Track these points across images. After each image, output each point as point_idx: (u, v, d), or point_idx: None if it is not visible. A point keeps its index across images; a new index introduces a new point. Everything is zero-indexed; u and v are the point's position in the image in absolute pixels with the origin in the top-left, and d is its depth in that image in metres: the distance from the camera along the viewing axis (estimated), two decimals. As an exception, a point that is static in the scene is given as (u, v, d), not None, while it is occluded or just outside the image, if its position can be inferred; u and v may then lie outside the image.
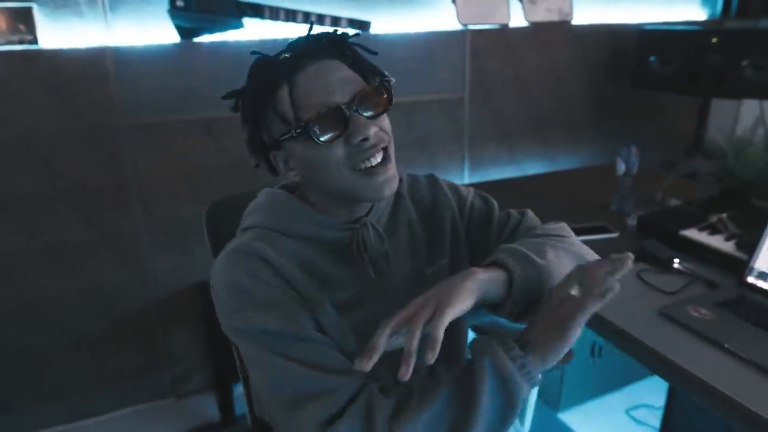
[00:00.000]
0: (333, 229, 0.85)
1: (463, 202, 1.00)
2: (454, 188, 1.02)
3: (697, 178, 1.90)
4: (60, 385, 1.97)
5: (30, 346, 1.90)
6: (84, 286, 1.91)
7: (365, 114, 0.78)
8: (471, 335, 1.17)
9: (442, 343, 0.65)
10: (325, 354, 0.75)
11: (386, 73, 0.84)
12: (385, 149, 0.80)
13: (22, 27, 1.68)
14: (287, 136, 0.78)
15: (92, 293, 1.93)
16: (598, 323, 1.21)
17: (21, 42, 1.68)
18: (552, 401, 2.06)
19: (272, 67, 0.79)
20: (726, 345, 1.06)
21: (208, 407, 2.12)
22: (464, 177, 2.38)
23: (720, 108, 2.60)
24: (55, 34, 1.73)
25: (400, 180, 0.98)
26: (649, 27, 2.35)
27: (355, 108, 0.76)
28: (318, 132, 0.75)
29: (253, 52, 0.84)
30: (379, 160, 0.79)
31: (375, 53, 0.85)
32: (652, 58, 2.30)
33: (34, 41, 1.69)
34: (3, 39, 1.67)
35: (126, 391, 2.07)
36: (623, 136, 2.57)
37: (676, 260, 1.40)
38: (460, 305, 0.69)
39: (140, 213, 1.91)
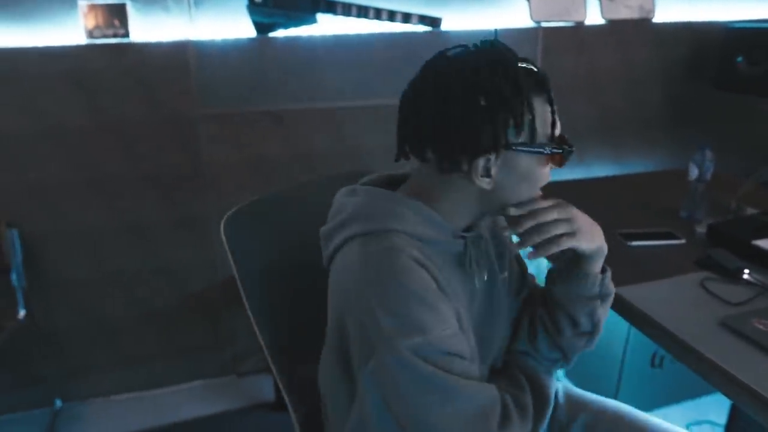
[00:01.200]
0: (452, 236, 0.82)
1: None
2: None
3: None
4: (133, 354, 2.13)
5: (108, 316, 2.06)
6: (158, 263, 2.06)
7: None
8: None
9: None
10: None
11: None
12: None
13: (116, 22, 1.83)
14: (531, 148, 0.76)
15: (165, 271, 2.07)
16: (656, 332, 1.18)
17: (115, 35, 1.83)
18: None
19: (531, 72, 0.75)
20: (791, 361, 1.00)
21: (265, 387, 2.21)
22: (529, 177, 2.35)
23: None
24: (145, 28, 1.87)
25: None
26: (737, 25, 2.21)
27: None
28: (566, 156, 0.80)
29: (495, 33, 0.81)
30: None
31: None
32: (739, 59, 2.17)
33: (126, 35, 1.83)
34: (99, 33, 1.82)
35: (191, 365, 2.21)
36: (702, 140, 2.44)
37: (746, 271, 1.32)
38: (588, 244, 0.83)
39: (212, 198, 2.03)
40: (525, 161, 0.77)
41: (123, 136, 1.90)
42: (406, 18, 2.06)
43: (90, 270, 1.99)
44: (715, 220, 1.58)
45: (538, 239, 0.80)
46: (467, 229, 0.85)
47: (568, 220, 0.81)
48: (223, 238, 1.11)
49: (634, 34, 2.31)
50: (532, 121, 0.75)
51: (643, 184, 2.13)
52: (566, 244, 0.81)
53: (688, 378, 1.94)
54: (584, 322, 0.92)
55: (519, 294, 1.01)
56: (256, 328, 1.10)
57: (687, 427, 1.93)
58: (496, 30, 0.84)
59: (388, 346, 0.68)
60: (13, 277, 1.86)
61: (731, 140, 2.50)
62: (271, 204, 1.23)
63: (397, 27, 2.06)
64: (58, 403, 2.09)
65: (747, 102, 2.38)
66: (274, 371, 1.09)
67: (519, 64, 0.75)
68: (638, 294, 1.27)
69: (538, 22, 2.18)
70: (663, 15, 2.35)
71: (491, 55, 0.76)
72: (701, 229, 1.58)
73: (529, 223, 0.79)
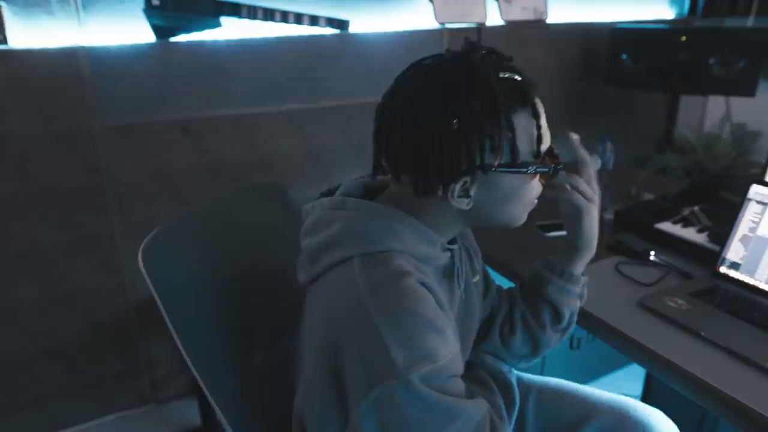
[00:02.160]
0: (440, 250, 0.79)
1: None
2: None
3: (668, 173, 1.95)
4: (38, 394, 1.93)
5: (5, 356, 1.85)
6: (59, 291, 1.87)
7: None
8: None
9: None
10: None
11: None
12: None
13: (-10, 26, 1.64)
14: (512, 168, 0.71)
15: (68, 298, 1.89)
16: (579, 316, 1.24)
17: (-10, 42, 1.64)
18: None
19: (510, 85, 0.69)
20: (702, 333, 1.09)
21: (190, 412, 2.09)
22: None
23: (688, 104, 2.68)
24: (26, 33, 1.69)
25: None
26: (621, 25, 2.40)
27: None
28: (551, 174, 0.78)
29: (466, 39, 0.75)
30: None
31: None
32: (624, 56, 2.35)
33: (3, 41, 1.65)
34: (-29, 39, 1.62)
35: (106, 397, 2.04)
36: (597, 133, 2.62)
37: (652, 253, 1.43)
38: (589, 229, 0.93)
39: (116, 215, 1.88)
40: (507, 181, 0.73)
41: (8, 153, 1.71)
42: (314, 21, 2.03)
43: (-23, 305, 1.78)
44: (620, 207, 1.70)
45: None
46: (451, 241, 0.84)
47: (593, 197, 0.88)
48: (141, 265, 1.01)
49: (531, 34, 2.43)
50: (513, 139, 0.69)
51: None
52: (581, 205, 0.88)
53: (603, 356, 2.09)
54: (565, 319, 1.01)
55: (487, 295, 1.05)
56: (181, 347, 1.01)
57: (605, 401, 2.07)
58: (479, 29, 0.84)
59: (398, 377, 0.63)
60: None
61: (622, 132, 2.70)
62: (189, 223, 1.16)
63: (305, 30, 2.02)
64: (-53, 459, 1.85)
65: (632, 96, 2.59)
66: (206, 390, 1.02)
67: (500, 75, 0.69)
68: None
69: (442, 24, 2.24)
70: (555, 16, 2.49)
71: (467, 67, 0.70)
72: (609, 216, 1.69)
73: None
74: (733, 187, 1.69)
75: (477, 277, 0.97)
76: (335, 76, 2.09)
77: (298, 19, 2.01)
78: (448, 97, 0.67)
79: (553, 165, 0.77)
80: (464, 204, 0.73)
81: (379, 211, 0.76)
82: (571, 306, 1.01)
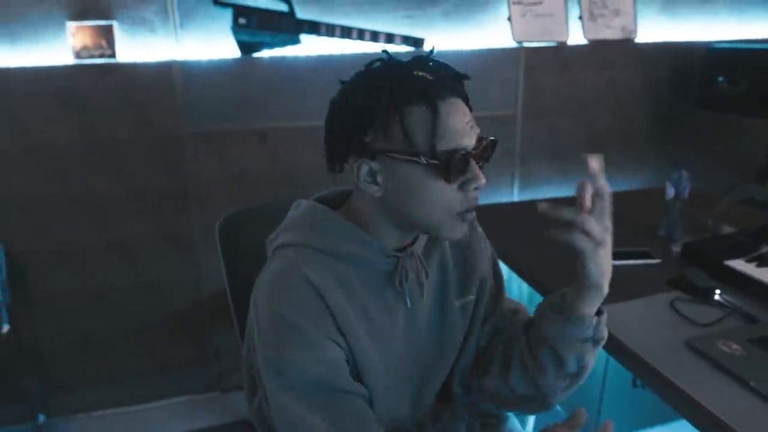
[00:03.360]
0: (380, 254, 0.82)
1: (494, 257, 1.02)
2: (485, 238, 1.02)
3: (757, 206, 1.79)
4: (119, 370, 2.14)
5: (95, 332, 2.07)
6: (145, 280, 2.07)
7: (479, 162, 0.78)
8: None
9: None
10: (351, 408, 0.77)
11: None
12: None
13: (103, 42, 1.86)
14: (404, 156, 0.74)
15: (151, 287, 2.09)
16: (622, 353, 1.18)
17: (102, 56, 1.86)
18: (589, 428, 1.99)
19: (414, 82, 0.74)
20: (752, 383, 1.00)
21: (251, 403, 2.21)
22: (513, 194, 2.36)
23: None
24: (132, 48, 1.91)
25: None
26: (717, 45, 2.24)
27: (476, 155, 0.77)
28: (450, 171, 0.74)
29: (384, 51, 0.82)
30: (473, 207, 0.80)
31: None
32: (720, 78, 2.19)
33: (113, 55, 1.87)
34: (87, 53, 1.86)
35: (177, 381, 2.21)
36: (685, 158, 2.45)
37: (717, 291, 1.33)
38: (598, 270, 0.78)
39: (197, 215, 2.05)
40: (405, 171, 0.75)
41: (109, 154, 1.93)
42: (390, 38, 2.10)
43: (75, 286, 2.01)
44: (691, 239, 1.59)
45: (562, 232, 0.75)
46: (402, 249, 0.85)
47: (602, 240, 0.76)
48: (217, 239, 1.14)
49: (617, 54, 2.34)
50: (404, 129, 0.73)
51: (625, 202, 2.12)
52: (584, 248, 0.75)
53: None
54: (570, 364, 0.86)
55: (486, 321, 0.98)
56: (240, 340, 1.11)
57: (669, 447, 1.92)
58: (432, 49, 0.85)
59: (259, 350, 0.78)
60: (-2, 293, 1.88)
61: (715, 158, 2.51)
62: (263, 212, 1.23)
63: (381, 47, 2.09)
64: (41, 418, 2.09)
65: (728, 121, 2.40)
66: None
67: (415, 73, 0.75)
68: (609, 314, 1.27)
69: (520, 43, 2.21)
70: (645, 35, 2.38)
71: (388, 63, 0.79)
72: (677, 248, 1.59)
73: (569, 213, 0.75)
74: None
75: (469, 297, 0.94)
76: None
77: (375, 36, 2.08)
78: (354, 85, 0.78)
79: (446, 161, 0.74)
80: (374, 191, 0.78)
81: (314, 209, 0.85)
82: (577, 350, 0.85)
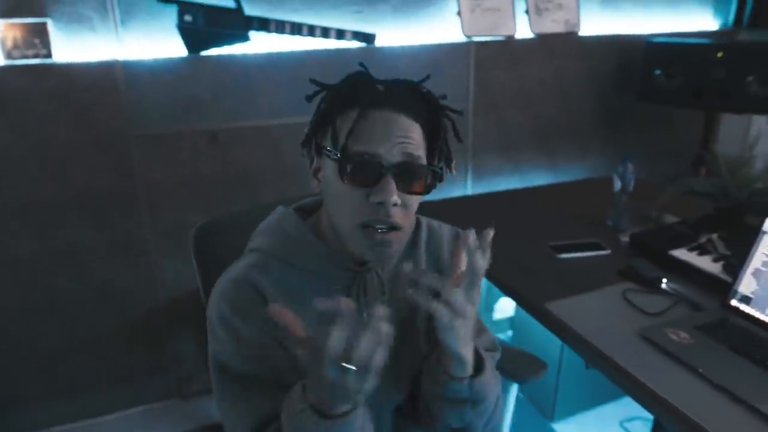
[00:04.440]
0: (337, 268, 0.84)
1: None
2: None
3: (697, 196, 1.89)
4: (71, 383, 2.06)
5: (43, 345, 1.98)
6: (95, 288, 1.99)
7: (399, 182, 0.76)
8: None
9: None
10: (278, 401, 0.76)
11: (453, 162, 0.85)
12: (394, 228, 0.77)
13: (37, 41, 1.76)
14: (327, 151, 0.79)
15: (102, 295, 2.01)
16: (577, 342, 1.24)
17: (36, 56, 1.76)
18: (546, 411, 2.08)
19: (361, 87, 0.79)
20: (700, 370, 1.07)
21: (212, 408, 2.18)
22: (467, 187, 2.41)
23: (731, 122, 2.58)
24: (69, 48, 1.81)
25: (417, 228, 0.97)
26: (655, 40, 2.34)
27: (394, 171, 0.75)
28: (348, 170, 0.75)
29: (361, 64, 0.87)
30: (384, 228, 0.77)
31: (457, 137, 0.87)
32: (657, 72, 2.29)
33: (49, 55, 1.77)
34: (19, 53, 1.75)
35: (134, 390, 2.15)
36: (630, 148, 2.57)
37: (664, 280, 1.41)
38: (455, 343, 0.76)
39: (148, 219, 1.98)
40: (327, 166, 0.81)
41: (50, 159, 1.83)
42: (340, 34, 2.08)
43: (22, 298, 1.91)
44: (638, 230, 1.67)
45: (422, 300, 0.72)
46: (364, 263, 0.85)
47: (463, 313, 0.73)
48: (191, 248, 1.14)
49: (562, 47, 2.40)
50: (334, 128, 0.79)
51: (573, 192, 2.22)
52: (442, 318, 0.72)
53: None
54: (452, 421, 0.84)
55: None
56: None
57: (620, 423, 2.03)
58: (428, 76, 0.91)
59: (209, 345, 0.83)
60: (-66, 311, 1.77)
61: (656, 148, 2.64)
62: (237, 218, 1.21)
63: (331, 44, 2.07)
64: (-10, 439, 2.00)
65: (666, 113, 2.52)
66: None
67: (377, 85, 0.80)
68: (565, 308, 1.33)
69: (469, 37, 2.24)
70: (588, 29, 2.45)
71: (361, 76, 0.83)
72: (625, 239, 1.67)
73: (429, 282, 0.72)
74: (762, 215, 1.63)
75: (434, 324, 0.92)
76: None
77: (325, 33, 2.06)
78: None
79: (346, 161, 0.76)
80: (315, 185, 0.85)
81: (283, 217, 0.89)
82: (453, 409, 0.82)
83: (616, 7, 2.51)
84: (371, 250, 0.78)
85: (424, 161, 0.80)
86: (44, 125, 1.80)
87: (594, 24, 2.47)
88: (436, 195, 0.85)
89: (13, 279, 1.89)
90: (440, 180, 0.82)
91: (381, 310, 0.62)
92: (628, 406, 2.10)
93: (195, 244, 1.13)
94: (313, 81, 0.84)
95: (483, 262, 0.73)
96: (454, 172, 0.86)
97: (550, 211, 1.98)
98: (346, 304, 0.61)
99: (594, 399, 2.12)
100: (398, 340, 0.88)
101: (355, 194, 0.76)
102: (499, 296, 2.42)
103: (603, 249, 1.63)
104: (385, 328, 0.62)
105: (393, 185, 0.75)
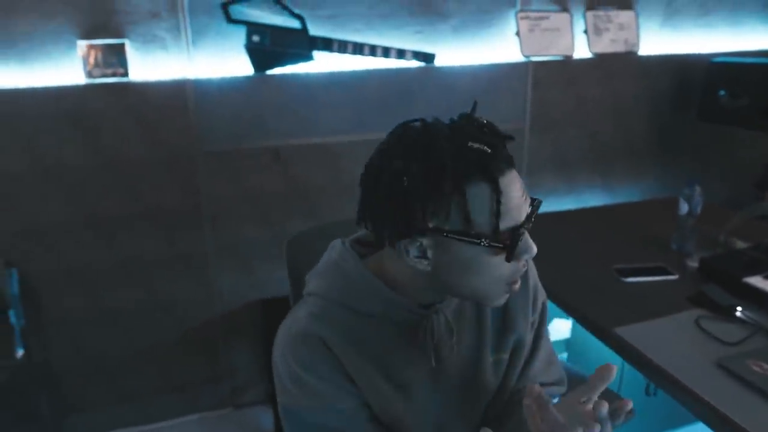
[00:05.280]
0: (404, 311, 0.80)
1: (536, 302, 0.96)
2: (539, 291, 0.98)
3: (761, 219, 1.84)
4: (131, 389, 2.12)
5: (107, 352, 2.05)
6: (156, 299, 2.06)
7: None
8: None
9: None
10: None
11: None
12: None
13: (115, 61, 1.84)
14: (464, 237, 0.70)
15: (163, 306, 2.07)
16: (649, 369, 1.22)
17: (114, 75, 1.84)
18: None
19: (473, 155, 0.68)
20: (786, 404, 1.04)
21: (263, 418, 2.21)
22: (521, 206, 2.40)
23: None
24: (144, 67, 1.89)
25: None
26: (719, 59, 2.30)
27: (528, 226, 0.73)
28: (515, 251, 0.71)
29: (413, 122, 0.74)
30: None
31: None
32: (721, 92, 2.24)
33: (125, 74, 1.85)
34: (99, 72, 1.83)
35: (190, 398, 2.20)
36: (687, 169, 2.52)
37: (739, 308, 1.37)
38: None
39: (209, 233, 2.04)
40: (464, 250, 0.71)
41: (121, 174, 1.91)
42: (401, 54, 2.11)
43: (88, 307, 1.99)
44: (706, 254, 1.63)
45: None
46: (430, 305, 0.82)
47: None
48: (285, 257, 1.14)
49: (621, 66, 2.38)
50: (465, 208, 0.69)
51: (633, 213, 2.19)
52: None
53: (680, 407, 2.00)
54: None
55: (519, 381, 0.94)
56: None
57: (682, 454, 1.97)
58: (475, 102, 0.77)
59: (278, 396, 0.82)
60: (11, 315, 1.85)
61: (716, 170, 2.58)
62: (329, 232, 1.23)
63: (392, 63, 2.10)
64: (55, 441, 2.07)
65: (729, 133, 2.46)
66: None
67: (470, 144, 0.69)
68: (636, 334, 1.31)
69: (528, 57, 2.24)
70: (647, 48, 2.42)
71: (427, 132, 0.71)
72: (693, 263, 1.63)
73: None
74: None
75: (503, 356, 0.91)
76: (418, 107, 2.15)
77: (386, 52, 2.09)
78: (406, 158, 0.69)
79: (508, 242, 0.70)
80: (422, 265, 0.73)
81: (345, 259, 0.83)
82: None
83: (677, 26, 2.47)
84: (506, 298, 0.79)
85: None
86: (118, 141, 1.88)
87: (653, 43, 2.44)
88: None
89: (82, 288, 1.96)
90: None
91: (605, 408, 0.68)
92: (690, 434, 2.03)
93: (288, 252, 1.14)
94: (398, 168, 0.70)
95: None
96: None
97: (610, 232, 1.95)
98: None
99: (653, 427, 2.06)
100: (467, 378, 0.88)
101: (502, 262, 0.73)
102: (554, 316, 2.38)
103: (670, 273, 1.59)
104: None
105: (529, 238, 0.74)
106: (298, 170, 2.07)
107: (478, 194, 0.68)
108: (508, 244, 0.70)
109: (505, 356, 0.91)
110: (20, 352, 1.87)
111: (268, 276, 2.13)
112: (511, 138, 0.73)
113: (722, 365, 1.17)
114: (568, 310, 1.50)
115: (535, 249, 0.74)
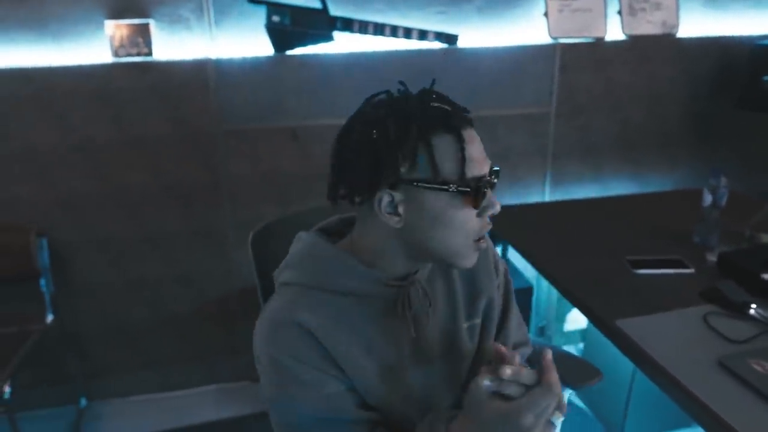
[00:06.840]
0: (379, 285, 0.83)
1: (497, 265, 1.00)
2: (497, 257, 1.02)
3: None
4: (153, 357, 2.22)
5: (131, 321, 2.15)
6: (178, 271, 2.13)
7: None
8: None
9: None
10: None
11: None
12: None
13: (140, 41, 1.90)
14: (432, 185, 0.74)
15: (184, 279, 2.15)
16: (647, 364, 1.18)
17: (139, 54, 1.90)
18: (615, 430, 1.98)
19: (437, 112, 0.75)
20: (784, 407, 0.99)
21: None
22: (545, 194, 2.34)
23: None
24: (168, 47, 1.94)
25: None
26: (765, 42, 2.15)
27: (493, 182, 0.79)
28: (476, 197, 0.76)
29: (401, 82, 0.81)
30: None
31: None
32: (765, 78, 2.11)
33: (150, 53, 1.90)
34: (124, 51, 1.90)
35: (207, 369, 2.29)
36: (724, 159, 2.39)
37: (753, 306, 1.30)
38: None
39: (229, 211, 2.09)
40: (431, 200, 0.75)
41: (146, 150, 1.98)
42: (423, 35, 2.08)
43: (113, 277, 2.08)
44: (728, 249, 1.55)
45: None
46: (405, 277, 0.84)
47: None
48: (250, 250, 1.19)
49: (657, 49, 2.27)
50: (432, 158, 0.73)
51: (658, 204, 2.10)
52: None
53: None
54: None
55: (497, 340, 0.97)
56: None
57: (696, 453, 1.90)
58: (433, 80, 0.82)
59: (262, 388, 0.82)
60: (42, 283, 1.96)
61: (754, 160, 2.43)
62: (294, 223, 1.26)
63: (414, 44, 2.08)
64: (83, 401, 2.19)
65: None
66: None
67: (432, 104, 0.76)
68: (638, 327, 1.27)
69: (555, 39, 2.17)
70: (688, 30, 2.30)
71: (404, 95, 0.78)
72: (712, 258, 1.56)
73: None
74: None
75: (475, 321, 0.93)
76: (440, 89, 2.12)
77: (408, 33, 2.07)
78: (373, 115, 0.76)
79: (474, 187, 0.75)
80: (393, 221, 0.77)
81: (314, 245, 0.85)
82: None
83: (722, 6, 2.33)
84: (474, 258, 0.82)
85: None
86: (142, 118, 1.94)
87: (695, 24, 2.31)
88: (512, 200, 0.85)
89: (108, 257, 2.06)
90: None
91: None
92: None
93: (253, 244, 1.19)
94: (369, 123, 0.76)
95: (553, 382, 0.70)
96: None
97: (632, 222, 1.88)
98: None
99: (668, 422, 1.99)
100: (444, 347, 0.90)
101: (469, 215, 0.77)
102: (571, 306, 2.33)
103: (686, 267, 1.53)
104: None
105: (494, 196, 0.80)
106: (316, 150, 2.08)
107: (442, 143, 0.74)
108: (475, 190, 0.75)
109: (478, 321, 0.94)
110: (50, 317, 1.99)
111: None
112: (467, 110, 0.79)
113: (722, 363, 1.12)
114: (574, 301, 1.46)
115: (498, 206, 0.79)
